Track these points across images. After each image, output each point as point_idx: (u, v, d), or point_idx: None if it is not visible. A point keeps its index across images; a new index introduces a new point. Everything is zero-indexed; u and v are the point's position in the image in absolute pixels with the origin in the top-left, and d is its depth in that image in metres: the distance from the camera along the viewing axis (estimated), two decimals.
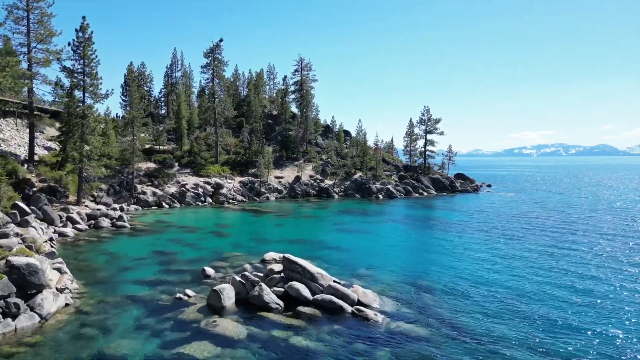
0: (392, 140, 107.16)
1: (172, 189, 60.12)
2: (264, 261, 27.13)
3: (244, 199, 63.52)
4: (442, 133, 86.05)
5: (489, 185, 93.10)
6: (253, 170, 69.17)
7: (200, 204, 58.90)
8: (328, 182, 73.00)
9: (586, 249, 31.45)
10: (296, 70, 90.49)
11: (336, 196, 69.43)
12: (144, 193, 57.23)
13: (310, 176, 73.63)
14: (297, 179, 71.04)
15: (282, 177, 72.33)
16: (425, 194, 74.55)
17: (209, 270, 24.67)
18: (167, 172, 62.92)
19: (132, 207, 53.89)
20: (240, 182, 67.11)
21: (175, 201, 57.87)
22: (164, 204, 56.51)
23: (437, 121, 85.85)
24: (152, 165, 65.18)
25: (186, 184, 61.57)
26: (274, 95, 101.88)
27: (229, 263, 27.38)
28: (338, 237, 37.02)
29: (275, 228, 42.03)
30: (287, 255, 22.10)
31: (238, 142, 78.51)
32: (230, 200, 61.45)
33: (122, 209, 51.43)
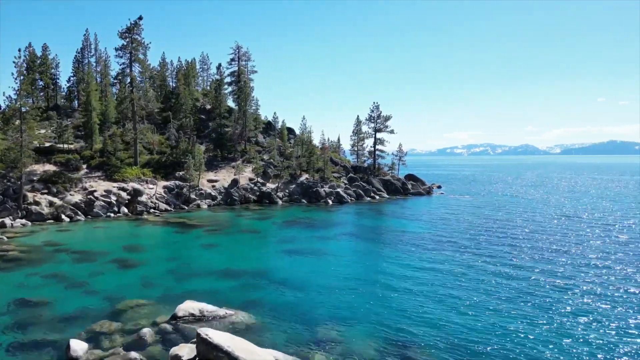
0: (338, 139, 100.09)
1: (76, 197, 48.56)
2: (176, 319, 17.94)
3: (169, 208, 53.07)
4: (392, 131, 79.91)
5: (439, 187, 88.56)
6: (181, 173, 58.74)
7: (112, 215, 47.87)
8: (270, 185, 64.07)
9: (567, 259, 25.42)
10: (232, 60, 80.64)
11: (280, 202, 60.72)
12: (37, 203, 45.41)
13: (250, 179, 64.32)
14: (234, 182, 61.49)
15: (216, 181, 62.40)
16: (377, 197, 67.83)
17: (78, 346, 15.10)
18: (70, 177, 51.06)
19: (19, 222, 42.22)
20: (164, 187, 56.45)
21: (80, 213, 46.52)
22: (63, 216, 45.06)
23: (387, 118, 79.59)
24: (51, 167, 52.92)
25: (95, 191, 50.15)
26: (208, 87, 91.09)
27: (122, 323, 17.97)
28: (285, 264, 28.46)
29: (203, 251, 32.62)
30: (205, 334, 13.20)
31: (164, 140, 67.45)
32: (152, 210, 50.80)
33: (1, 226, 39.70)
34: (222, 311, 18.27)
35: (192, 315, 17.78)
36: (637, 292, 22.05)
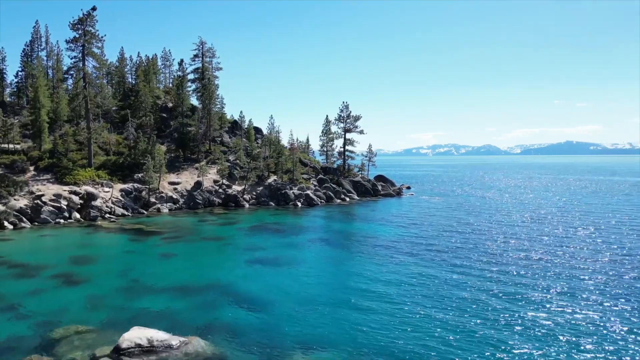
0: (307, 139, 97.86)
1: (22, 202, 44.38)
2: (118, 352, 15.22)
3: (127, 213, 49.47)
4: (362, 132, 78.50)
5: (408, 188, 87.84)
6: (140, 175, 55.09)
7: (62, 222, 44.02)
8: (237, 187, 61.19)
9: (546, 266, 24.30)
10: (196, 56, 76.92)
11: (247, 205, 57.97)
12: None
13: (215, 181, 61.23)
14: (198, 184, 58.30)
15: (178, 183, 58.99)
16: (348, 199, 66.07)
17: None
18: (15, 180, 46.71)
19: None
20: (122, 190, 52.69)
21: (25, 219, 42.50)
22: (6, 223, 40.99)
23: (357, 118, 78.07)
24: None
25: (43, 195, 46.04)
26: (170, 85, 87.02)
27: (53, 358, 15.14)
28: (250, 277, 26.00)
29: (160, 263, 29.72)
30: None
31: (121, 140, 63.42)
32: (107, 216, 47.11)
33: None
34: (175, 340, 15.72)
35: (139, 346, 15.14)
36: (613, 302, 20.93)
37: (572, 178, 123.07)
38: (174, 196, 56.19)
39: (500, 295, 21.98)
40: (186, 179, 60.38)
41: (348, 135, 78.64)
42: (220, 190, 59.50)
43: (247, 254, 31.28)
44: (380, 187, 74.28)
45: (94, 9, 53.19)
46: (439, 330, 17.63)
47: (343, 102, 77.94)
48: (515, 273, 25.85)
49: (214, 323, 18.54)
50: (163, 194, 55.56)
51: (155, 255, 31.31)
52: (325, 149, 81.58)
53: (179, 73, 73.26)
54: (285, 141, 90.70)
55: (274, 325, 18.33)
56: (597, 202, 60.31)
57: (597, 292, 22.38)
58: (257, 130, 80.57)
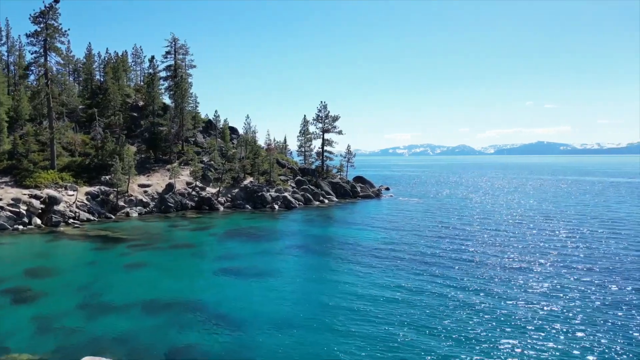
0: (285, 139, 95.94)
1: None
2: None
3: (92, 218, 46.59)
4: (340, 132, 76.93)
5: (387, 189, 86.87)
6: (108, 177, 52.15)
7: (21, 228, 40.96)
8: (211, 190, 58.78)
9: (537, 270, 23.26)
10: (168, 53, 74.02)
11: (221, 208, 55.65)
12: None
13: (188, 183, 58.68)
14: (170, 187, 55.68)
15: (149, 186, 56.22)
16: (327, 201, 64.41)
17: None
18: None
19: None
20: (87, 194, 49.73)
21: None
22: None
23: (336, 119, 76.50)
24: None
25: (0, 200, 42.80)
26: (142, 82, 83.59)
27: None
28: (223, 290, 24.04)
29: (125, 275, 27.38)
30: None
31: (88, 140, 60.16)
32: (70, 221, 44.17)
33: None
34: None
35: None
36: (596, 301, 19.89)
37: (548, 178, 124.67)
38: (144, 199, 53.45)
39: (493, 314, 20.65)
40: (157, 181, 57.62)
41: (326, 136, 77.04)
42: (194, 192, 56.99)
43: (219, 264, 29.20)
44: (359, 189, 72.94)
45: (56, 1, 49.97)
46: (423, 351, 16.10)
47: (321, 101, 76.38)
48: (501, 283, 24.64)
49: (181, 347, 16.57)
50: (132, 197, 52.77)
51: (119, 267, 28.89)
52: (303, 150, 79.82)
53: (150, 70, 70.12)
54: (262, 141, 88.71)
55: (247, 347, 16.48)
56: (575, 203, 60.36)
57: (585, 296, 21.34)
58: (233, 130, 78.15)
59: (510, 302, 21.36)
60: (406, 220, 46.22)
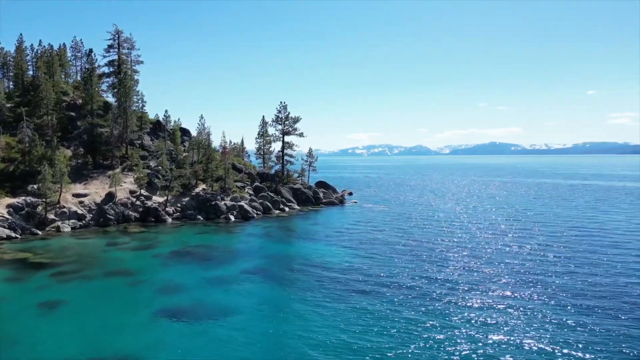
0: (242, 141, 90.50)
1: None
2: None
3: (14, 235, 39.96)
4: (302, 134, 72.55)
5: (350, 194, 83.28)
6: (35, 187, 45.33)
7: None
8: (158, 199, 52.86)
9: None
10: (111, 47, 67.11)
11: (169, 220, 49.94)
12: None
13: (132, 192, 52.50)
14: (110, 196, 49.41)
15: (85, 195, 49.69)
16: (287, 209, 59.80)
17: None
18: None
19: None
20: (9, 206, 42.90)
21: None
22: None
23: (296, 120, 72.05)
24: None
25: None
26: (81, 79, 75.80)
27: None
28: (163, 343, 19.03)
29: (35, 322, 21.71)
30: None
31: (14, 143, 52.69)
32: None
33: None
34: None
35: None
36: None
37: (508, 181, 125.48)
38: (80, 211, 46.97)
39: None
40: (96, 190, 51.10)
41: (287, 138, 72.44)
42: (138, 202, 50.92)
43: (161, 300, 24.04)
44: (322, 195, 68.82)
45: None
46: None
47: (281, 102, 71.67)
48: (495, 314, 21.05)
49: None
50: (65, 209, 46.21)
51: (32, 307, 23.12)
52: (262, 152, 74.88)
53: (87, 66, 63.00)
54: (217, 143, 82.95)
55: None
56: (548, 211, 58.81)
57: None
58: (184, 131, 72.10)
59: (505, 342, 17.71)
60: (374, 233, 42.33)
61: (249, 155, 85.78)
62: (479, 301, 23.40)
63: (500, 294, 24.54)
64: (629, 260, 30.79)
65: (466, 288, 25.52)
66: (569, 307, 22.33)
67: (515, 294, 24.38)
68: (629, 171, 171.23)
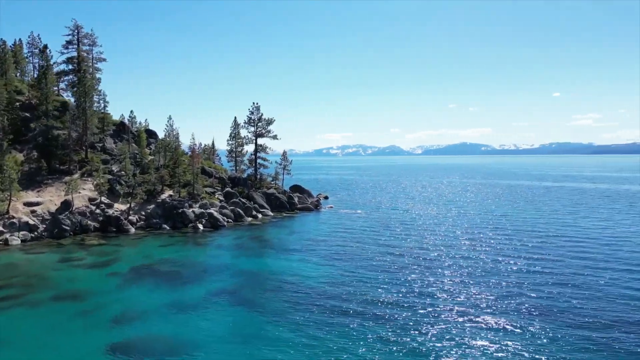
0: (213, 143, 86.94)
1: None
2: None
3: None
4: (275, 137, 69.71)
5: (326, 197, 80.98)
6: None
7: None
8: (120, 206, 49.15)
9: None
10: (70, 43, 62.74)
11: (132, 230, 46.36)
12: None
13: (91, 199, 48.62)
14: (66, 205, 45.46)
15: (38, 204, 45.60)
16: (260, 216, 56.89)
17: None
18: None
19: None
20: None
21: None
22: None
23: (270, 122, 69.16)
24: None
25: None
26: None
27: None
28: None
29: None
30: None
31: None
32: None
33: None
34: None
35: None
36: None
37: (483, 182, 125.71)
38: (31, 222, 42.91)
39: None
40: (50, 198, 47.01)
41: (260, 141, 69.50)
42: (98, 211, 47.10)
43: (114, 333, 20.89)
44: (296, 200, 66.17)
45: None
46: None
47: (253, 103, 68.64)
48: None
49: None
50: (15, 220, 42.10)
51: None
52: (234, 155, 71.65)
53: (43, 62, 58.50)
54: (186, 146, 79.30)
55: None
56: (534, 216, 57.84)
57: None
58: (151, 133, 68.21)
59: None
60: (351, 244, 39.92)
61: (220, 158, 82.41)
62: (466, 325, 21.28)
63: (490, 312, 22.51)
64: (614, 267, 29.42)
65: (451, 308, 23.39)
66: (555, 321, 20.48)
67: (509, 314, 22.39)
68: (597, 172, 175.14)
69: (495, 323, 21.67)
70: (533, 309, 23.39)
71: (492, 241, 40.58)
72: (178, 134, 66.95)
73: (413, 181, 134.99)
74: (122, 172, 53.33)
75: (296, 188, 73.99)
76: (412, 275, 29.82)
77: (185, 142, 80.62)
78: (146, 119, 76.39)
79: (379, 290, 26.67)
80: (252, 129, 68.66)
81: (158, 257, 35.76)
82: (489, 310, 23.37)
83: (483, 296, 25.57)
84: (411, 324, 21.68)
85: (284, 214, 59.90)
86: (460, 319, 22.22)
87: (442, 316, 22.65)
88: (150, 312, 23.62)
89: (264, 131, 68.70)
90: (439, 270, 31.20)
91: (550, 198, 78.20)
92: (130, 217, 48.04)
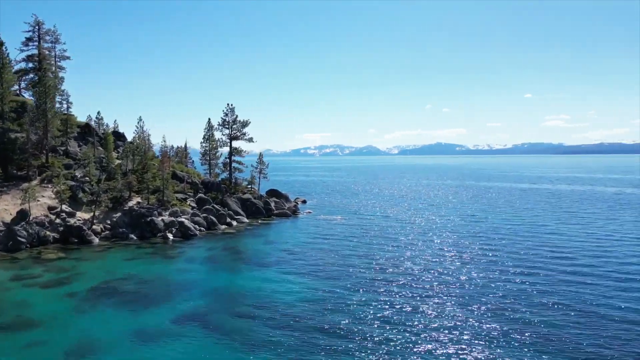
0: (185, 145, 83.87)
1: None
2: None
3: None
4: (251, 139, 67.36)
5: (304, 202, 78.87)
6: None
7: None
8: (83, 216, 45.97)
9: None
10: (30, 40, 58.85)
11: (96, 240, 43.30)
12: None
13: (51, 208, 45.29)
14: (23, 214, 42.06)
15: None
16: (235, 223, 54.36)
17: None
18: None
19: None
20: None
21: None
22: None
23: (245, 124, 66.69)
24: None
25: None
26: None
27: None
28: None
29: None
30: None
31: None
32: None
33: None
34: None
35: None
36: None
37: (460, 184, 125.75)
38: None
39: None
40: (5, 207, 43.50)
41: (235, 144, 67.02)
42: (58, 220, 43.81)
43: None
44: (273, 205, 63.88)
45: None
46: None
47: (228, 104, 66.04)
48: None
49: None
50: None
51: None
52: (209, 158, 68.82)
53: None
54: (157, 148, 76.14)
55: None
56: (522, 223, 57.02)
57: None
58: (119, 135, 65.01)
59: None
60: (331, 256, 37.89)
61: (193, 161, 79.42)
62: (449, 347, 19.54)
63: (478, 332, 20.85)
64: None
65: (436, 327, 21.64)
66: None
67: (501, 335, 20.77)
68: (569, 173, 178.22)
69: (484, 341, 20.00)
70: (523, 328, 21.85)
71: (475, 250, 39.20)
72: (150, 135, 63.89)
73: (391, 183, 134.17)
74: (86, 178, 50.05)
75: (273, 192, 71.64)
76: (394, 291, 28.02)
77: (156, 145, 77.28)
78: (115, 120, 72.85)
79: (361, 314, 24.69)
80: (227, 131, 66.13)
81: (122, 272, 32.95)
82: (477, 330, 21.70)
83: (469, 315, 23.92)
84: (397, 347, 19.81)
85: (260, 221, 57.51)
86: (444, 339, 20.47)
87: (426, 336, 20.85)
88: (111, 343, 21.03)
89: (238, 133, 66.23)
90: (421, 285, 29.49)
91: (529, 201, 78.02)
92: (94, 227, 44.89)
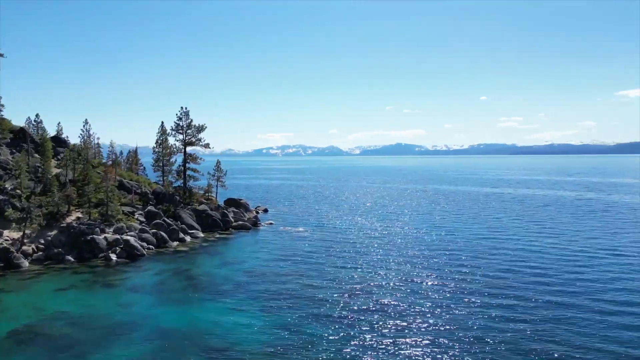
0: (136, 150, 78.00)
1: None
2: None
3: None
4: (207, 145, 62.90)
5: (265, 211, 74.95)
6: None
7: None
8: (12, 235, 40.39)
9: None
10: None
11: (26, 264, 37.99)
12: None
13: None
14: None
15: None
16: (189, 239, 49.89)
17: None
18: None
19: None
20: None
21: None
22: None
23: (201, 129, 62.15)
24: None
25: None
26: None
27: None
28: None
29: None
30: None
31: None
32: None
33: None
34: None
35: None
36: None
37: (423, 188, 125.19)
38: None
39: None
40: None
41: (189, 149, 62.40)
42: None
43: None
44: (232, 216, 59.72)
45: None
46: None
47: (182, 107, 61.30)
48: None
49: None
50: None
51: None
52: (162, 165, 63.69)
53: None
54: (106, 154, 70.42)
55: None
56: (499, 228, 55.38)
57: None
58: (59, 141, 59.03)
59: None
60: (295, 278, 34.45)
61: (145, 168, 73.87)
62: None
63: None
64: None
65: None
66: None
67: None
68: (527, 175, 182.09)
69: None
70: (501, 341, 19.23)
71: (446, 269, 36.80)
72: (99, 139, 58.36)
73: (355, 187, 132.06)
74: (17, 191, 44.33)
75: (232, 202, 67.45)
76: (362, 321, 24.93)
77: (103, 150, 71.31)
78: (59, 123, 66.21)
79: (330, 350, 21.43)
80: (181, 136, 61.36)
81: (52, 309, 28.20)
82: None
83: (449, 345, 21.13)
84: None
85: (217, 235, 53.29)
86: None
87: None
88: None
89: (194, 139, 61.66)
90: (392, 312, 26.61)
91: (495, 209, 77.39)
92: (24, 248, 39.46)
